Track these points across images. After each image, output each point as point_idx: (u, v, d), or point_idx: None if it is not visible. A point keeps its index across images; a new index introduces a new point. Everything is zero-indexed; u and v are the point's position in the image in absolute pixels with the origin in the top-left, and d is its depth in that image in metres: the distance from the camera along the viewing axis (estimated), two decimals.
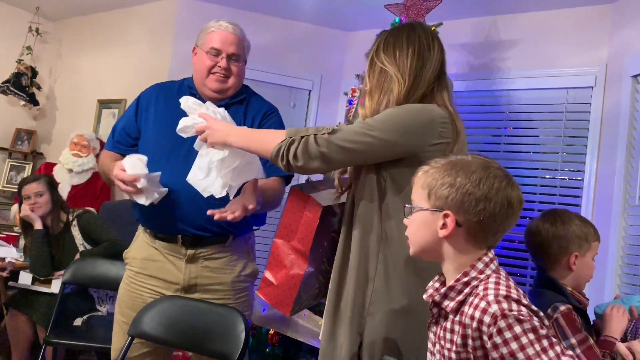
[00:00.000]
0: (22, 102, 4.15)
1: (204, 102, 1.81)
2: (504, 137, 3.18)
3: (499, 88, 3.16)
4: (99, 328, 2.69)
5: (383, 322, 1.32)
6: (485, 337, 0.99)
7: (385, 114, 1.35)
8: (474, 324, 1.01)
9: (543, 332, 0.97)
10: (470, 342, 1.02)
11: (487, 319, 0.99)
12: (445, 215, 1.07)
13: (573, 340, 1.42)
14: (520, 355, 0.95)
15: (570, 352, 0.98)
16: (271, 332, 2.82)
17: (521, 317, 0.97)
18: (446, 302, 1.09)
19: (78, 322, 2.73)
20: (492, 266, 1.08)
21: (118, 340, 1.85)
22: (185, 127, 1.52)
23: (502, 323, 0.97)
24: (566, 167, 2.97)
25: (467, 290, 1.06)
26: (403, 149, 1.33)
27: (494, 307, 0.99)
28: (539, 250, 1.64)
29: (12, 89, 3.99)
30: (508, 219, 1.08)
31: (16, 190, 3.15)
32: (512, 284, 1.06)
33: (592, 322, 1.65)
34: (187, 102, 1.55)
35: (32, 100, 4.15)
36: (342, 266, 1.41)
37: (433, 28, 1.51)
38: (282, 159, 1.34)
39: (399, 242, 1.33)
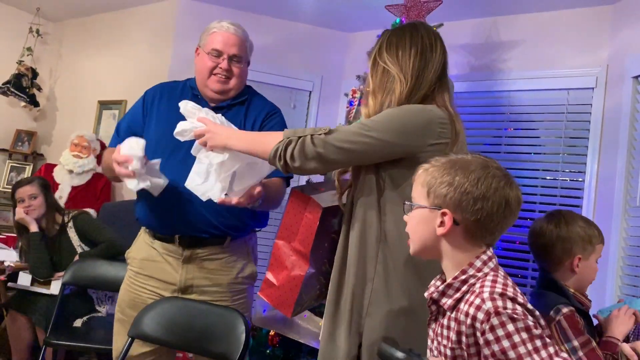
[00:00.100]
0: (23, 103, 4.15)
1: (206, 102, 1.82)
2: (504, 138, 3.18)
3: (500, 89, 3.16)
4: (98, 329, 2.69)
5: (382, 323, 1.32)
6: (478, 334, 1.00)
7: (382, 114, 1.36)
8: (468, 321, 1.02)
9: (537, 331, 0.97)
10: (464, 338, 1.03)
11: (480, 315, 0.99)
12: (443, 214, 1.08)
13: (575, 343, 1.42)
14: (511, 353, 0.95)
15: (564, 355, 0.97)
16: (271, 333, 2.81)
17: (515, 316, 0.97)
18: (444, 300, 1.09)
19: (78, 323, 2.73)
20: (491, 264, 1.09)
21: (119, 339, 1.85)
22: (183, 130, 1.52)
23: (495, 320, 0.97)
24: (567, 168, 2.97)
25: (464, 288, 1.07)
26: (400, 149, 1.33)
27: (488, 304, 0.99)
28: (542, 252, 1.63)
29: (12, 90, 3.99)
30: (506, 219, 1.09)
31: None
32: (509, 282, 1.06)
33: (594, 325, 1.64)
34: (186, 106, 1.55)
35: (33, 101, 4.15)
36: (342, 267, 1.41)
37: (434, 29, 1.51)
38: (279, 159, 1.35)
39: (398, 243, 1.33)
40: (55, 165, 3.74)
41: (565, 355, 0.97)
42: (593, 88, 2.89)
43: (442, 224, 1.08)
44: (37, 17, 4.20)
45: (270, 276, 1.51)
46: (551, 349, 0.96)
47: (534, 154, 3.07)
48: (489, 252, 1.10)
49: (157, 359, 1.84)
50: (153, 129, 1.83)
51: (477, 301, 1.01)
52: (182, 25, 3.67)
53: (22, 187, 2.87)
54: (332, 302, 1.41)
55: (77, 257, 2.82)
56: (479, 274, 1.07)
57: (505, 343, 0.96)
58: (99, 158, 3.71)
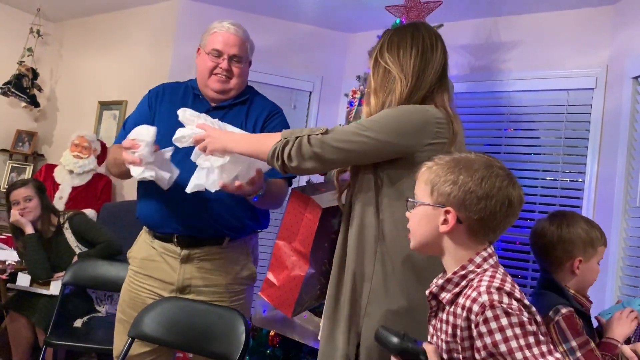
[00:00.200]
0: (23, 104, 4.16)
1: (207, 102, 1.83)
2: (504, 139, 3.18)
3: (500, 89, 3.17)
4: (99, 329, 2.69)
5: (381, 322, 1.32)
6: (472, 326, 1.00)
7: (379, 114, 1.37)
8: (464, 313, 1.02)
9: (531, 328, 0.97)
10: (459, 332, 1.03)
11: (475, 307, 1.00)
12: (447, 212, 1.09)
13: (574, 343, 1.42)
14: (502, 346, 0.96)
15: (558, 355, 0.97)
16: (272, 333, 2.81)
17: (509, 310, 0.98)
18: (443, 294, 1.10)
19: (78, 323, 2.73)
20: (491, 261, 1.10)
21: (120, 339, 1.85)
22: (182, 136, 1.52)
23: (489, 313, 0.98)
24: (567, 169, 2.97)
25: (463, 283, 1.08)
26: (397, 148, 1.34)
27: (484, 297, 1.00)
28: (542, 252, 1.63)
29: (13, 90, 3.99)
30: (508, 217, 1.10)
31: None
32: (508, 279, 1.06)
33: (595, 326, 1.64)
34: (184, 113, 1.55)
35: (33, 102, 4.15)
36: (340, 266, 1.41)
37: (435, 29, 1.52)
38: (277, 159, 1.37)
39: (397, 242, 1.33)
40: (55, 166, 3.74)
41: (558, 355, 0.97)
42: (593, 89, 2.89)
43: (445, 221, 1.10)
44: (37, 17, 4.20)
45: (270, 276, 1.51)
46: (544, 347, 0.96)
47: (534, 154, 3.07)
48: (490, 250, 1.11)
49: (156, 359, 1.84)
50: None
51: (474, 294, 1.02)
52: (183, 25, 3.67)
53: (17, 189, 2.85)
54: (331, 301, 1.42)
55: (75, 258, 2.82)
56: (478, 270, 1.08)
57: (498, 336, 0.96)
58: (99, 158, 3.72)
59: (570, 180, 2.95)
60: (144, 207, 1.82)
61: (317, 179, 2.65)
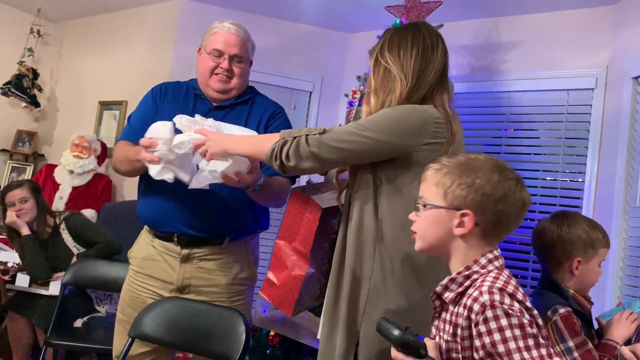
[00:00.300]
0: (24, 104, 4.16)
1: (209, 102, 1.83)
2: (504, 139, 3.18)
3: (500, 90, 3.17)
4: (99, 329, 2.70)
5: (377, 322, 1.33)
6: (472, 325, 1.00)
7: (378, 114, 1.37)
8: (465, 313, 1.02)
9: (531, 330, 0.97)
10: (459, 331, 1.03)
11: (476, 307, 1.00)
12: (464, 215, 1.08)
13: (571, 344, 1.42)
14: (500, 347, 0.95)
15: (557, 359, 0.97)
16: (272, 333, 2.81)
17: (510, 311, 0.97)
18: (446, 294, 1.10)
19: (78, 323, 2.73)
20: (496, 263, 1.09)
21: (119, 339, 1.85)
22: (180, 142, 1.52)
23: (489, 313, 0.98)
24: (567, 169, 2.97)
25: (467, 283, 1.08)
26: (395, 148, 1.34)
27: (485, 297, 1.00)
28: (543, 252, 1.63)
29: (13, 90, 3.99)
30: (518, 220, 1.12)
31: None
32: (512, 281, 1.06)
33: (596, 328, 1.63)
34: (180, 120, 1.55)
35: (33, 102, 4.16)
36: (339, 266, 1.41)
37: (436, 29, 1.52)
38: (275, 159, 1.38)
39: (395, 242, 1.34)
40: (56, 166, 3.74)
41: (557, 359, 0.97)
42: (593, 89, 2.89)
43: (460, 224, 1.09)
44: (38, 17, 4.21)
45: (271, 276, 1.52)
46: (543, 350, 0.95)
47: (534, 154, 3.07)
48: (496, 252, 1.11)
49: (156, 359, 1.84)
50: None
51: (475, 293, 1.02)
52: (183, 26, 3.67)
53: (12, 190, 2.84)
54: (330, 301, 1.42)
55: (74, 258, 2.82)
56: (482, 271, 1.08)
57: (497, 336, 0.96)
58: (99, 158, 3.72)
59: (570, 181, 2.95)
60: (145, 206, 1.82)
61: (318, 178, 2.65)
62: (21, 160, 4.26)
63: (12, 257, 2.92)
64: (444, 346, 1.07)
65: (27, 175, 4.15)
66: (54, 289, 2.77)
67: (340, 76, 3.81)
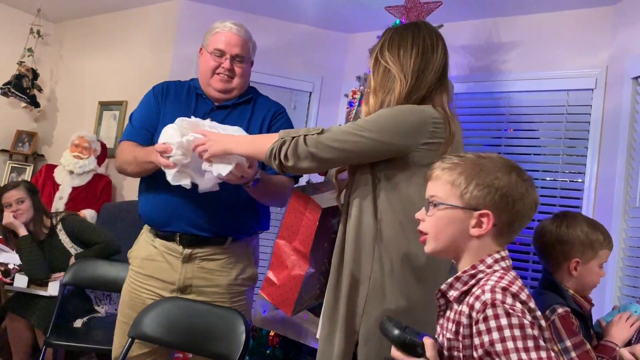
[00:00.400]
0: (23, 104, 4.16)
1: (211, 102, 1.84)
2: (504, 139, 3.19)
3: (500, 90, 3.17)
4: (99, 329, 2.69)
5: (379, 322, 1.33)
6: (473, 323, 0.99)
7: (375, 114, 1.38)
8: (467, 311, 1.01)
9: (532, 332, 0.95)
10: (461, 329, 1.03)
11: (477, 305, 0.99)
12: (482, 215, 1.07)
13: (568, 343, 1.42)
14: (498, 346, 0.94)
15: None
16: (271, 333, 2.81)
17: (511, 311, 0.96)
18: (451, 292, 1.09)
19: (78, 323, 2.73)
20: (503, 264, 1.08)
21: (118, 340, 1.85)
22: (189, 144, 1.55)
23: (489, 311, 0.97)
24: (567, 169, 2.97)
25: (472, 282, 1.06)
26: (393, 148, 1.34)
27: (487, 295, 0.99)
28: (542, 252, 1.63)
29: (13, 90, 3.99)
30: (529, 221, 1.12)
31: None
32: (518, 282, 1.05)
33: (593, 328, 1.63)
34: (181, 123, 1.57)
35: (33, 102, 4.15)
36: (339, 266, 1.41)
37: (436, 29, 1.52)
38: (274, 159, 1.39)
39: (394, 241, 1.34)
40: (55, 166, 3.73)
41: None
42: (593, 89, 2.90)
43: (478, 224, 1.07)
44: (37, 18, 4.21)
45: (271, 275, 1.52)
46: (543, 353, 0.94)
47: (534, 155, 3.08)
48: (503, 253, 1.10)
49: (156, 359, 1.84)
50: (159, 128, 1.83)
51: (479, 292, 1.01)
52: (183, 26, 3.67)
53: (8, 191, 2.83)
54: (329, 301, 1.42)
55: (72, 259, 2.82)
56: (488, 270, 1.06)
57: (495, 335, 0.95)
58: (99, 159, 3.72)
59: (570, 181, 2.95)
60: (147, 205, 1.82)
61: (318, 178, 2.65)
62: (21, 160, 4.26)
63: (13, 259, 2.91)
64: (446, 344, 1.06)
65: (27, 175, 4.15)
66: (52, 289, 2.77)
67: (340, 76, 3.81)
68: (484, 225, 1.07)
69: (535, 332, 0.96)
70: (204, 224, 1.75)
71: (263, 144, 1.43)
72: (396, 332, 1.04)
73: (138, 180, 1.87)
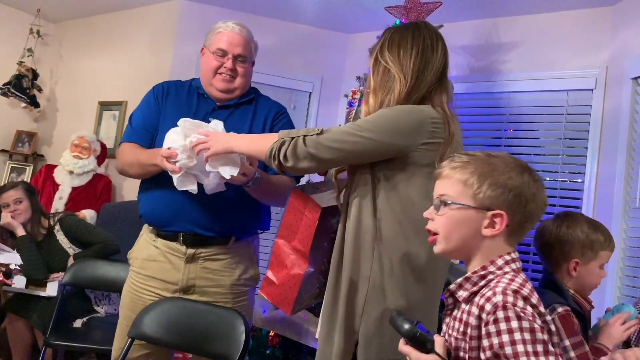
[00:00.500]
0: (23, 104, 4.16)
1: (213, 101, 1.85)
2: (504, 140, 3.19)
3: (499, 90, 3.17)
4: (98, 330, 2.69)
5: (379, 321, 1.33)
6: (482, 325, 0.99)
7: (375, 114, 1.38)
8: (477, 312, 1.01)
9: (542, 336, 0.95)
10: (469, 330, 1.02)
11: (488, 306, 0.98)
12: (495, 215, 1.05)
13: (567, 343, 1.41)
14: (508, 349, 0.93)
15: None
16: (271, 334, 2.81)
17: (522, 314, 0.95)
18: (460, 292, 1.08)
19: (78, 323, 2.73)
20: (513, 266, 1.07)
21: (118, 341, 1.85)
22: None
23: (500, 314, 0.96)
24: (566, 170, 2.97)
25: (482, 282, 1.05)
26: (392, 148, 1.34)
27: (498, 297, 0.98)
28: (543, 252, 1.63)
29: (12, 90, 3.99)
30: (538, 221, 1.11)
31: None
32: (528, 285, 1.04)
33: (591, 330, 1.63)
34: (184, 124, 1.58)
35: (33, 102, 4.15)
36: (338, 265, 1.41)
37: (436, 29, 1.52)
38: (274, 159, 1.39)
39: (394, 241, 1.34)
40: (55, 166, 3.73)
41: None
42: (592, 89, 2.90)
43: (490, 224, 1.06)
44: (37, 18, 4.20)
45: (270, 274, 1.52)
46: (551, 358, 0.93)
47: (534, 155, 3.08)
48: (514, 254, 1.08)
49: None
50: (160, 128, 1.83)
51: (489, 294, 1.00)
52: (183, 26, 3.67)
53: (6, 192, 2.83)
54: (329, 301, 1.42)
55: (70, 259, 2.81)
56: (499, 272, 1.05)
57: (505, 338, 0.94)
58: (99, 159, 3.72)
59: (570, 181, 2.95)
60: (148, 205, 1.81)
61: (318, 178, 2.65)
62: (21, 160, 4.25)
63: (14, 259, 2.91)
64: (453, 344, 1.06)
65: (27, 175, 4.15)
66: (50, 290, 2.76)
67: (340, 77, 3.81)
68: (497, 226, 1.05)
69: (545, 337, 0.95)
70: (207, 223, 1.75)
71: (263, 143, 1.43)
72: (407, 326, 1.03)
73: (138, 180, 1.86)
